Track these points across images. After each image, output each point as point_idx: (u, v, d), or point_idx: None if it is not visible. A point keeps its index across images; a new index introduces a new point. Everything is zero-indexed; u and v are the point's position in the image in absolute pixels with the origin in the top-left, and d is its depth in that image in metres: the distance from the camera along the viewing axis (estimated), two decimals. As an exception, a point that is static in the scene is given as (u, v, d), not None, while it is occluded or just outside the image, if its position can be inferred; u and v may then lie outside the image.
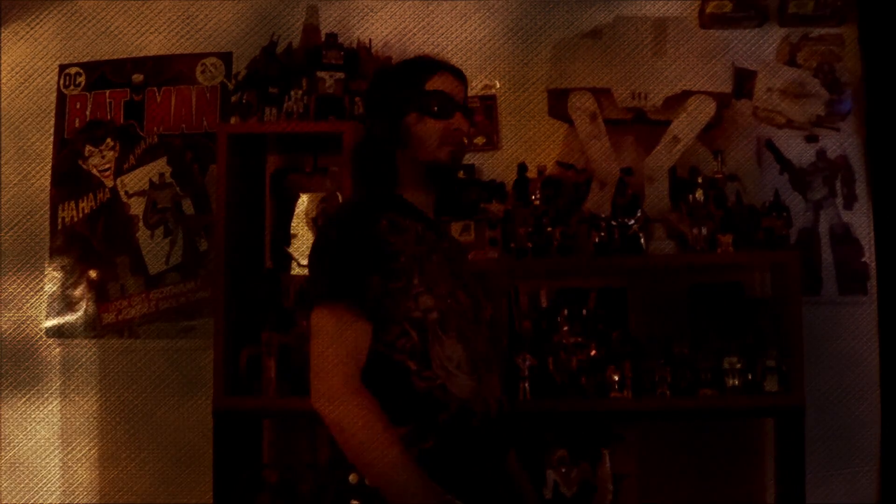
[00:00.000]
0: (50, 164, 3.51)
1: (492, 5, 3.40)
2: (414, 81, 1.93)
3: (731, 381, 2.90)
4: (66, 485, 3.40)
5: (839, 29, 3.30)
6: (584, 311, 3.03)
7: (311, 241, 1.87)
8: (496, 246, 2.99)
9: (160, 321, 3.42)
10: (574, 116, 3.15)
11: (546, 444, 2.91)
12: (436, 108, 1.92)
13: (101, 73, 3.53)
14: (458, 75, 2.01)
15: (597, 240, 2.95)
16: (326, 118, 3.07)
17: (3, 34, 3.55)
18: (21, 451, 3.43)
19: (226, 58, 3.48)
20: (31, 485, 3.41)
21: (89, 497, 3.38)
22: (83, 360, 3.43)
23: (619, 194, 3.03)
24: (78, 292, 3.45)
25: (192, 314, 3.40)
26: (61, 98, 3.53)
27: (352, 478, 1.73)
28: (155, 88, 3.50)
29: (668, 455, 3.17)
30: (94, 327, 3.44)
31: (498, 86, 3.38)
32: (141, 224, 3.46)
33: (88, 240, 3.47)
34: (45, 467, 3.41)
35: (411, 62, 2.00)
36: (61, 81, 3.54)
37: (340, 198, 2.98)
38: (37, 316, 3.47)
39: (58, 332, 3.45)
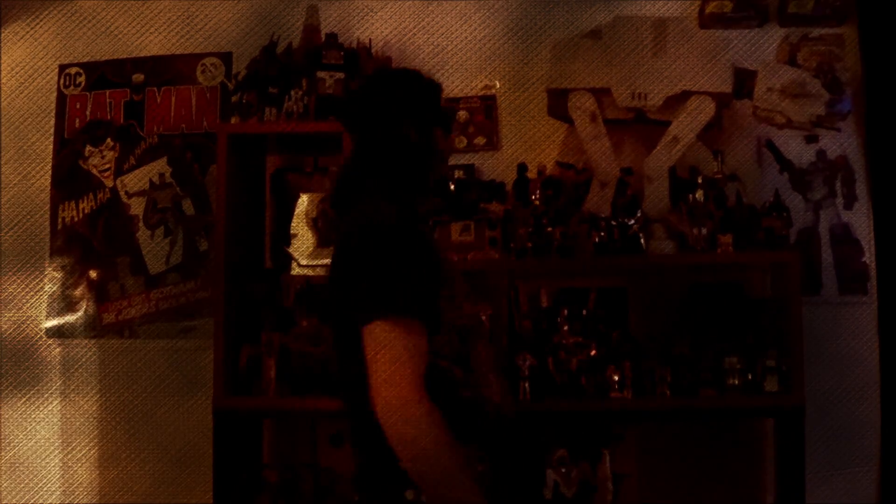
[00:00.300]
0: (50, 164, 3.51)
1: (492, 5, 3.40)
2: (439, 97, 1.97)
3: (731, 381, 2.91)
4: (66, 485, 3.40)
5: (839, 29, 3.30)
6: (584, 311, 3.03)
7: (353, 248, 1.75)
8: (496, 246, 2.99)
9: (160, 321, 3.42)
10: (574, 116, 3.15)
11: (546, 444, 2.91)
12: (450, 127, 1.99)
13: (101, 73, 3.53)
14: None
15: (597, 240, 2.95)
16: (326, 118, 3.07)
17: (3, 34, 3.55)
18: (21, 451, 3.43)
19: (226, 58, 3.48)
20: (31, 485, 3.41)
21: (89, 497, 3.38)
22: (83, 360, 3.43)
23: (619, 194, 3.03)
24: (78, 292, 3.46)
25: (192, 314, 3.40)
26: (61, 98, 3.53)
27: (409, 495, 1.71)
28: (155, 88, 3.50)
29: (668, 455, 3.17)
30: (94, 327, 3.44)
31: (498, 86, 3.38)
32: (141, 224, 3.46)
33: (88, 240, 3.47)
34: (45, 467, 3.41)
35: (427, 78, 2.00)
36: (61, 81, 3.54)
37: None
38: (37, 316, 3.47)
39: (58, 332, 3.45)
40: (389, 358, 1.67)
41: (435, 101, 1.96)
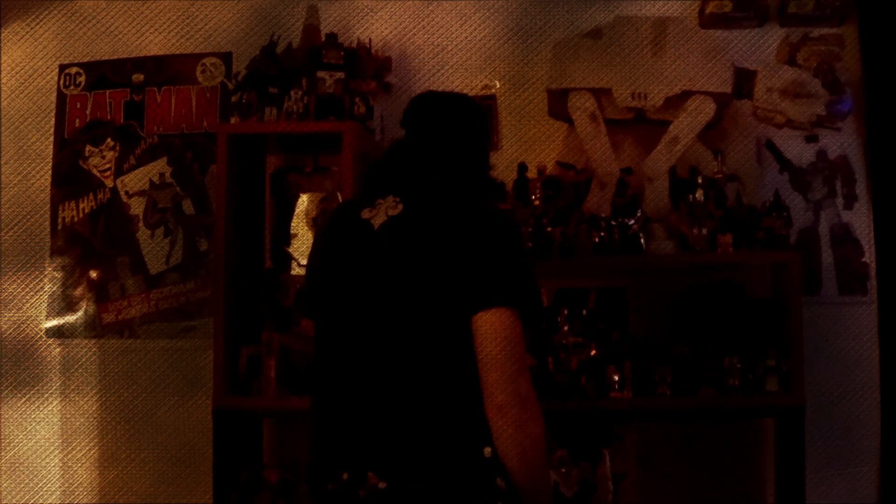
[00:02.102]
0: (50, 164, 3.51)
1: (492, 5, 3.40)
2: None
3: (731, 381, 2.91)
4: (66, 485, 3.40)
5: (839, 29, 3.30)
6: (584, 311, 3.03)
7: (494, 237, 1.77)
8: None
9: (160, 321, 3.42)
10: (574, 116, 3.15)
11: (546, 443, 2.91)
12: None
13: (101, 73, 3.53)
14: None
15: (597, 240, 2.95)
16: (326, 118, 3.07)
17: (3, 34, 3.55)
18: (21, 451, 3.43)
19: (226, 58, 3.48)
20: (31, 485, 3.41)
21: (89, 497, 3.38)
22: (83, 360, 3.43)
23: (619, 194, 3.03)
24: (78, 292, 3.46)
25: (192, 314, 3.40)
26: (61, 98, 3.53)
27: (500, 482, 1.71)
28: (155, 88, 3.50)
29: (668, 455, 3.17)
30: (94, 327, 3.44)
31: (498, 86, 3.38)
32: (141, 224, 3.46)
33: (89, 240, 3.47)
34: (45, 467, 3.41)
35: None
36: (61, 81, 3.54)
37: (340, 197, 2.97)
38: (37, 316, 3.47)
39: (58, 332, 3.45)
40: (512, 345, 1.69)
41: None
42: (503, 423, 1.67)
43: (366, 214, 1.84)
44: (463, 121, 2.04)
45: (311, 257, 2.00)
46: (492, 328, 1.69)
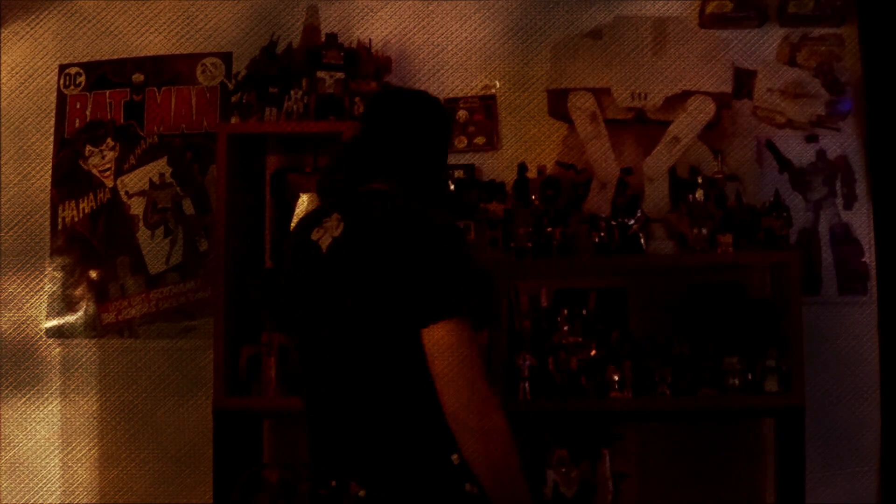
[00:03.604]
0: (50, 164, 3.51)
1: (492, 5, 3.40)
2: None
3: (731, 381, 2.91)
4: (66, 485, 3.40)
5: (839, 29, 3.30)
6: (584, 311, 3.03)
7: (430, 249, 1.75)
8: (496, 246, 2.99)
9: (160, 321, 3.42)
10: (574, 116, 3.15)
11: (546, 444, 2.91)
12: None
13: (101, 73, 3.53)
14: None
15: (597, 240, 2.95)
16: (326, 118, 3.07)
17: (3, 34, 3.55)
18: (21, 451, 3.43)
19: (226, 58, 3.48)
20: (31, 485, 3.41)
21: (89, 497, 3.38)
22: (83, 360, 3.43)
23: (619, 194, 3.03)
24: (78, 292, 3.46)
25: (192, 314, 3.40)
26: (61, 98, 3.53)
27: (468, 486, 1.72)
28: (155, 88, 3.50)
29: (668, 455, 3.17)
30: (94, 327, 3.44)
31: (498, 86, 3.38)
32: (141, 224, 3.46)
33: (89, 240, 3.47)
34: (45, 467, 3.41)
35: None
36: (61, 81, 3.54)
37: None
38: (37, 316, 3.47)
39: (58, 332, 3.45)
40: (463, 357, 1.69)
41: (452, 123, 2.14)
42: (462, 433, 1.69)
43: (315, 235, 1.87)
44: (416, 121, 1.99)
45: (272, 276, 2.02)
46: (437, 343, 1.70)
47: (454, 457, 1.72)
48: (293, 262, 1.94)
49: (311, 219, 1.95)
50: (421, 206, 1.83)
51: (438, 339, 1.70)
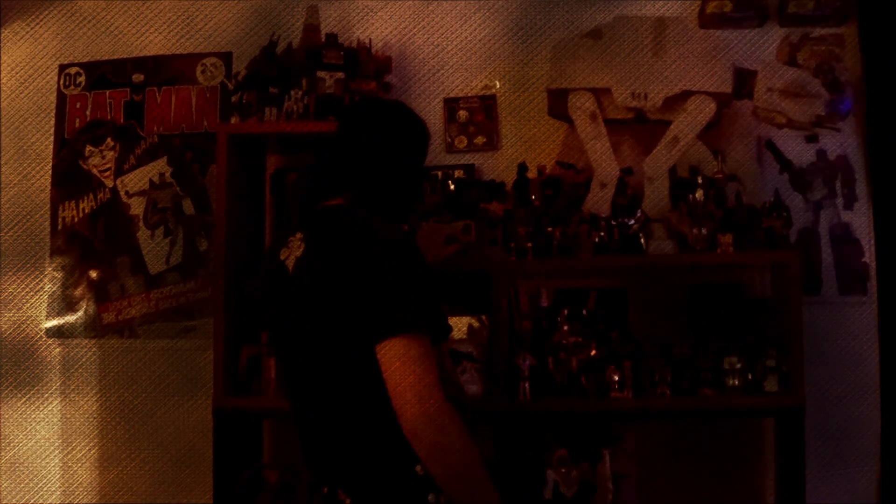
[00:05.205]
0: (50, 164, 3.51)
1: (492, 5, 3.40)
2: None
3: (731, 381, 2.91)
4: (66, 485, 3.40)
5: (839, 29, 3.30)
6: (584, 311, 3.03)
7: (378, 266, 1.76)
8: (496, 246, 2.99)
9: (160, 321, 3.42)
10: (574, 116, 3.15)
11: (546, 444, 2.91)
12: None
13: (101, 73, 3.53)
14: None
15: (597, 240, 2.95)
16: (326, 118, 3.07)
17: (3, 34, 3.56)
18: (21, 451, 3.43)
19: (226, 58, 3.48)
20: (31, 485, 3.41)
21: (89, 497, 3.38)
22: (83, 360, 3.43)
23: (619, 194, 3.03)
24: (78, 292, 3.46)
25: (192, 314, 3.40)
26: (61, 98, 3.53)
27: (431, 498, 1.76)
28: (155, 88, 3.50)
29: (668, 455, 3.17)
30: (94, 327, 3.44)
31: (498, 86, 3.38)
32: (141, 224, 3.46)
33: (89, 240, 3.47)
34: (45, 467, 3.41)
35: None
36: (61, 81, 3.54)
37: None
38: (37, 316, 3.47)
39: (58, 332, 3.46)
40: (414, 372, 1.71)
41: (426, 135, 2.12)
42: (418, 447, 1.71)
43: (283, 255, 1.91)
44: (380, 132, 2.01)
45: (253, 288, 2.07)
46: (388, 359, 1.73)
47: (418, 468, 1.75)
48: (267, 282, 1.98)
49: (278, 238, 1.99)
50: (371, 221, 1.84)
51: (391, 355, 1.72)
